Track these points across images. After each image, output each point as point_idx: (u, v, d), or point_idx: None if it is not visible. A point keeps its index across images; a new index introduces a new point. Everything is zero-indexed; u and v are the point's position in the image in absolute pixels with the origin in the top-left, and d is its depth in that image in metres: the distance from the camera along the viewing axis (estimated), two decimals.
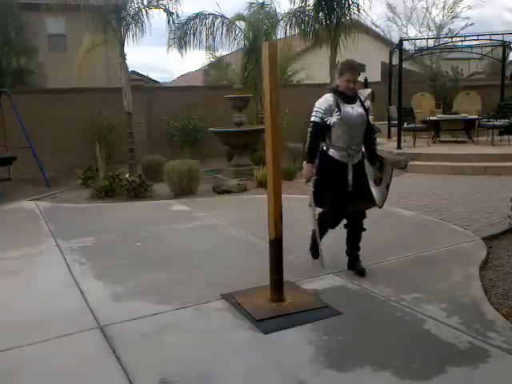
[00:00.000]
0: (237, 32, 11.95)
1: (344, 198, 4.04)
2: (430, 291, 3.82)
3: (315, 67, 16.76)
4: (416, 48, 15.12)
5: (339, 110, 4.01)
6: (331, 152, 4.11)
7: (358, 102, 4.09)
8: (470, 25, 19.86)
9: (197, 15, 11.57)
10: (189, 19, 11.49)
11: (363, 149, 4.19)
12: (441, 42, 17.57)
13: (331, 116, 4.03)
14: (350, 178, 4.06)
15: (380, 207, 4.20)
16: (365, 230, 4.28)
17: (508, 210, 4.82)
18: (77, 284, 4.30)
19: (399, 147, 10.66)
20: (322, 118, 4.05)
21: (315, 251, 4.48)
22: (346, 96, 4.05)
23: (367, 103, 4.17)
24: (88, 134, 11.66)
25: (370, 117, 4.36)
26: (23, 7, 14.62)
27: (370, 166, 4.19)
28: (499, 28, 42.76)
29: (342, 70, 4.07)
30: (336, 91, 4.09)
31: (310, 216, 4.23)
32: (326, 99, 4.07)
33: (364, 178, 4.14)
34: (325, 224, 4.29)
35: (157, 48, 28.88)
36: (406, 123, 11.41)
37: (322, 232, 4.34)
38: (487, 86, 15.27)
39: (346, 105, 4.04)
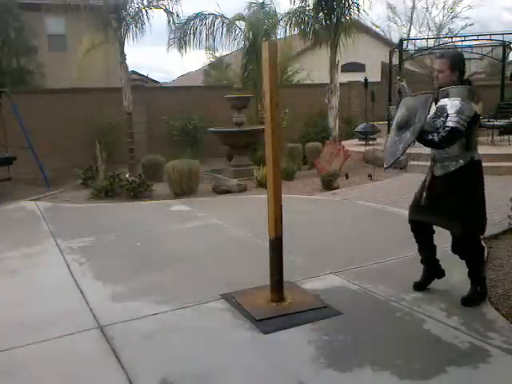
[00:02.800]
0: (237, 32, 11.96)
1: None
2: (430, 291, 3.82)
3: (315, 67, 16.76)
4: (416, 48, 15.14)
5: None
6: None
7: (440, 101, 3.38)
8: (470, 25, 19.94)
9: (197, 15, 11.59)
10: (189, 19, 11.50)
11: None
12: (441, 42, 17.58)
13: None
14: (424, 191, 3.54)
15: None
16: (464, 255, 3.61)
17: (508, 210, 4.82)
18: (77, 284, 4.29)
19: None
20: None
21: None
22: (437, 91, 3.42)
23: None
24: (88, 133, 11.67)
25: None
26: (23, 7, 14.63)
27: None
28: (498, 28, 42.76)
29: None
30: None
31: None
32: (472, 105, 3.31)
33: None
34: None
35: (157, 48, 28.88)
36: None
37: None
38: (487, 85, 15.28)
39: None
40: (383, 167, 3.55)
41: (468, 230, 3.42)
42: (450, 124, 3.20)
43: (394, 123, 3.49)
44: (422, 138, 3.26)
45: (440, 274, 3.84)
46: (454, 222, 3.41)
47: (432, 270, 3.84)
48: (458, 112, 3.20)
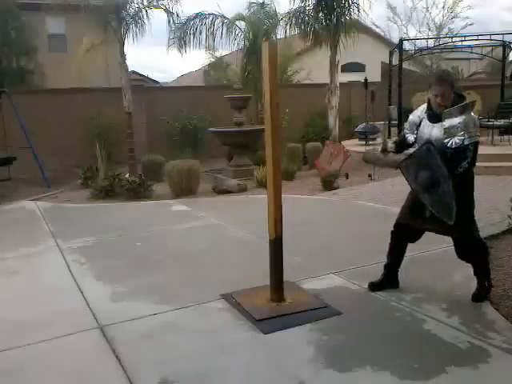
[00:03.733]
0: (237, 32, 11.96)
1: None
2: (430, 291, 3.82)
3: (315, 67, 16.76)
4: (416, 48, 15.13)
5: (418, 127, 3.61)
6: None
7: (445, 122, 3.42)
8: (470, 25, 19.92)
9: (197, 15, 11.59)
10: (189, 19, 11.50)
11: None
12: (441, 42, 17.59)
13: (413, 133, 3.67)
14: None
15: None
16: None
17: (508, 210, 4.81)
18: (77, 284, 4.29)
19: None
20: (404, 134, 3.77)
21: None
22: (433, 113, 3.51)
23: (455, 121, 3.37)
24: (88, 133, 11.67)
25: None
26: (23, 7, 14.63)
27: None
28: (498, 28, 42.76)
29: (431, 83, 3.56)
30: (428, 105, 3.57)
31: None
32: (413, 113, 3.70)
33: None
34: None
35: (157, 48, 28.90)
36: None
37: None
38: (487, 85, 15.29)
39: (429, 123, 3.53)
40: (449, 223, 3.43)
41: (473, 233, 3.55)
42: (472, 140, 3.33)
43: (417, 185, 3.51)
44: (454, 174, 3.32)
45: (396, 284, 3.91)
46: (460, 229, 3.48)
47: (390, 277, 3.91)
48: (468, 126, 3.34)
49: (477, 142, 3.37)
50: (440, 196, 3.38)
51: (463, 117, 3.35)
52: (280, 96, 3.52)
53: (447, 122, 3.38)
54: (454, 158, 3.37)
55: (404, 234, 3.78)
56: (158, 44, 37.19)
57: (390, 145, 3.89)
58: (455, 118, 3.36)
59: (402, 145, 3.86)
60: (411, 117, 3.73)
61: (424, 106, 3.62)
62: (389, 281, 3.89)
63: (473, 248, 3.60)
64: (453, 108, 3.40)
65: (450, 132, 3.37)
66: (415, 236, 3.80)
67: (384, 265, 3.92)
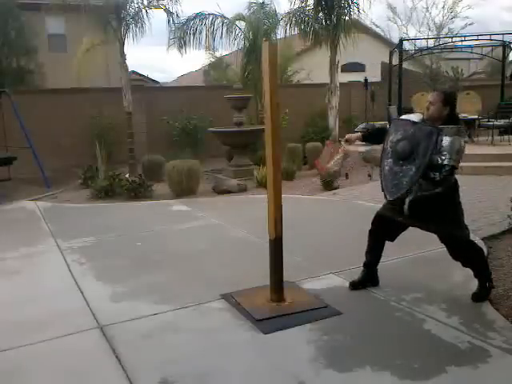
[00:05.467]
0: (237, 32, 11.95)
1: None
2: (430, 291, 3.82)
3: (315, 67, 16.76)
4: (416, 48, 15.14)
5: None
6: None
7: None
8: (470, 24, 19.88)
9: (197, 15, 11.58)
10: (189, 19, 11.49)
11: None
12: (441, 42, 17.58)
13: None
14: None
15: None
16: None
17: (508, 210, 4.82)
18: (77, 284, 4.30)
19: None
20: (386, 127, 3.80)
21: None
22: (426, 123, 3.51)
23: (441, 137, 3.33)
24: (88, 133, 11.67)
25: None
26: (23, 7, 14.63)
27: None
28: (498, 28, 42.78)
29: None
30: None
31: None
32: (409, 115, 3.71)
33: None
34: None
35: (157, 48, 28.88)
36: None
37: None
38: (487, 85, 15.28)
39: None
40: (386, 198, 3.53)
41: (464, 234, 3.57)
42: (448, 163, 3.32)
43: (391, 148, 3.51)
44: (426, 175, 3.35)
45: (376, 282, 3.95)
46: (449, 229, 3.52)
47: (371, 275, 3.94)
48: (456, 151, 3.34)
49: (453, 167, 3.36)
50: (400, 170, 3.41)
51: (452, 139, 3.33)
52: (280, 96, 3.52)
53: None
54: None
55: (381, 231, 3.82)
56: (157, 44, 37.17)
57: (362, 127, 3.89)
58: (445, 137, 3.34)
59: (378, 133, 3.82)
60: (405, 116, 3.74)
61: (421, 116, 3.60)
62: (369, 279, 3.94)
63: (463, 249, 3.60)
64: (447, 127, 3.39)
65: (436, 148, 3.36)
66: (393, 234, 3.83)
67: (363, 263, 3.96)
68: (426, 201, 3.49)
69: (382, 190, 3.54)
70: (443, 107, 3.45)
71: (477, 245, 3.78)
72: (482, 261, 3.72)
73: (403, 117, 3.78)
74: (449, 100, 3.48)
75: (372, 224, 3.87)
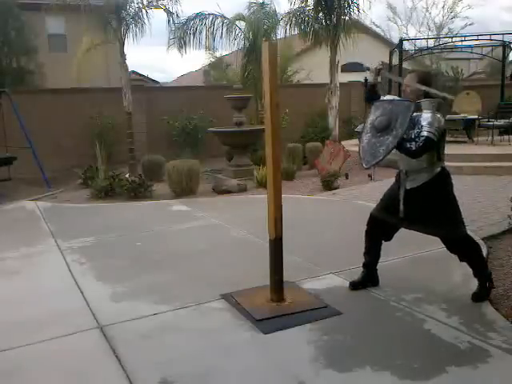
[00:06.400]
0: (237, 32, 11.96)
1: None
2: (430, 291, 3.82)
3: (315, 67, 16.76)
4: (416, 48, 15.14)
5: None
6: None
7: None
8: (470, 24, 19.92)
9: (197, 15, 11.59)
10: (189, 19, 11.50)
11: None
12: (441, 42, 17.59)
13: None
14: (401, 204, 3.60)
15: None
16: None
17: (508, 210, 4.81)
18: (77, 284, 4.29)
19: None
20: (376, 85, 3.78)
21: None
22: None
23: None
24: (88, 133, 11.68)
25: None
26: (23, 7, 14.63)
27: None
28: (498, 28, 42.77)
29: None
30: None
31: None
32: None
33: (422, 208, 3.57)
34: None
35: (157, 48, 28.90)
36: None
37: None
38: (487, 85, 15.28)
39: None
40: (363, 166, 3.60)
41: (460, 232, 3.56)
42: (425, 134, 3.34)
43: (370, 124, 3.56)
44: (401, 144, 3.37)
45: (376, 282, 3.96)
46: (445, 228, 3.52)
47: (370, 275, 3.95)
48: (431, 123, 3.36)
49: (430, 139, 3.32)
50: (377, 141, 3.44)
51: (432, 113, 3.37)
52: (280, 96, 3.52)
53: (416, 113, 3.40)
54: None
55: (377, 232, 3.83)
56: (157, 44, 37.19)
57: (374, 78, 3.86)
58: (425, 111, 3.39)
59: (374, 92, 3.78)
60: (386, 97, 3.74)
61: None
62: (369, 279, 3.95)
63: (459, 245, 3.61)
64: (427, 100, 3.45)
65: (410, 123, 3.38)
66: (388, 233, 3.84)
67: (363, 264, 3.97)
68: (420, 194, 3.51)
69: (361, 163, 3.60)
70: (417, 89, 3.51)
71: (473, 239, 3.79)
72: (478, 255, 3.73)
73: (384, 98, 3.78)
74: (424, 80, 3.54)
75: (367, 225, 3.89)
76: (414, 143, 3.35)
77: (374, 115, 3.57)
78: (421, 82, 3.51)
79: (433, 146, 3.39)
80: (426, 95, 3.50)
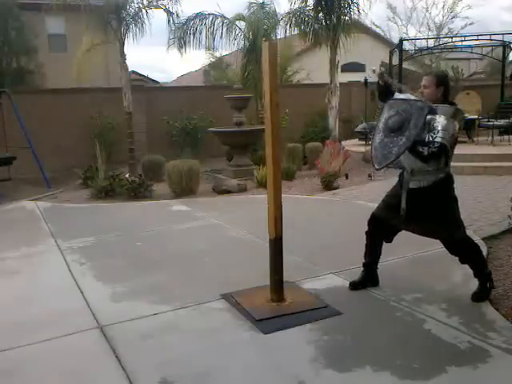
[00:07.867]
0: (237, 32, 11.96)
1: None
2: (430, 291, 3.82)
3: (315, 67, 16.76)
4: (416, 48, 15.14)
5: None
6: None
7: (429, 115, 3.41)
8: (470, 24, 19.92)
9: (197, 15, 11.59)
10: (189, 19, 11.50)
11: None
12: (441, 42, 17.60)
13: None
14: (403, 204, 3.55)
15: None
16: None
17: (508, 210, 4.81)
18: (77, 284, 4.29)
19: None
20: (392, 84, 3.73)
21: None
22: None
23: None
24: (88, 133, 11.68)
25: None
26: (23, 7, 14.63)
27: None
28: (498, 28, 42.78)
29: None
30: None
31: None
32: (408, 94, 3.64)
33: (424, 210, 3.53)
34: None
35: (157, 48, 28.89)
36: None
37: None
38: (487, 85, 15.28)
39: None
40: (374, 167, 3.56)
41: (460, 234, 3.57)
42: (439, 140, 3.30)
43: (383, 125, 3.52)
44: (414, 147, 3.35)
45: (376, 282, 3.96)
46: (446, 230, 3.54)
47: (370, 276, 3.95)
48: (447, 129, 3.31)
49: (444, 146, 3.29)
50: (390, 141, 3.40)
51: (447, 120, 3.32)
52: (280, 96, 3.52)
53: (428, 117, 3.34)
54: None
55: (378, 232, 3.83)
56: (157, 44, 37.17)
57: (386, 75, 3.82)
58: (441, 117, 3.33)
59: (387, 90, 3.73)
60: (401, 95, 3.65)
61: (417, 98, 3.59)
62: (369, 279, 3.95)
63: (460, 246, 3.61)
64: (444, 105, 3.42)
65: (424, 126, 3.33)
66: (389, 234, 3.83)
67: (363, 264, 3.97)
68: (423, 195, 3.49)
69: (372, 163, 3.55)
70: (437, 89, 3.50)
71: (473, 241, 3.78)
72: (478, 256, 3.73)
73: (398, 96, 3.71)
74: (442, 82, 3.52)
75: (368, 224, 3.88)
76: (426, 148, 3.32)
77: (388, 113, 3.52)
78: (437, 84, 3.49)
79: (445, 153, 3.37)
80: (445, 100, 3.48)
